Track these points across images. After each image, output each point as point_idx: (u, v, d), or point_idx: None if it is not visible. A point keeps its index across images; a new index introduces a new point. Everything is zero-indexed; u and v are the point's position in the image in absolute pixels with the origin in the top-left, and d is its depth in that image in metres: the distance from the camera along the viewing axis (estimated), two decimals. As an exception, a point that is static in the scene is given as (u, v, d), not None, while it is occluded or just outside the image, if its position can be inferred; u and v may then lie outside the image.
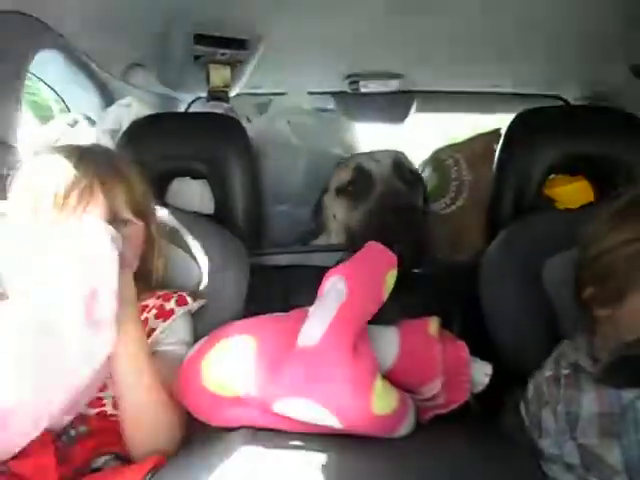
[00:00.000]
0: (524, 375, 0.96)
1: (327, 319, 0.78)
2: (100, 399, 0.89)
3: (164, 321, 0.94)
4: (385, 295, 0.84)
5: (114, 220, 0.88)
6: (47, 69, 1.57)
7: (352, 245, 1.21)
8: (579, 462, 0.81)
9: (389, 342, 0.85)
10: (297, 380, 0.75)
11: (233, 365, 0.81)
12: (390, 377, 0.83)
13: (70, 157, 0.89)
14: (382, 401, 0.76)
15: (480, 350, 1.02)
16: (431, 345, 0.84)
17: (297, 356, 0.77)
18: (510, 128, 1.24)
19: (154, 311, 0.94)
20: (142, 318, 0.91)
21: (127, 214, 0.91)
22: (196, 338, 0.99)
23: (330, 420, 0.74)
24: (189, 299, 0.98)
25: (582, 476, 0.80)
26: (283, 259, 1.31)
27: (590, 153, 1.16)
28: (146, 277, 0.99)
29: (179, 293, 0.98)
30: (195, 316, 1.04)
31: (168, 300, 0.96)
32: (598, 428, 0.79)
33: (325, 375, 0.74)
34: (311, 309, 0.84)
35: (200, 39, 1.45)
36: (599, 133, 1.17)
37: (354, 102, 2.02)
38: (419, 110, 2.13)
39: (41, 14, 1.16)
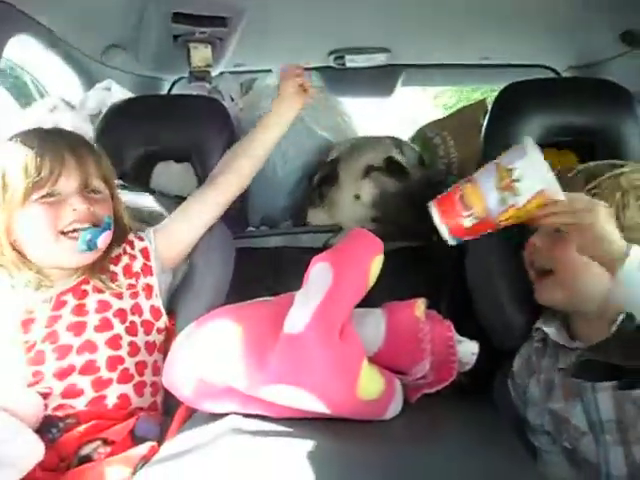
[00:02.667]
0: (512, 348, 0.97)
1: (312, 306, 0.77)
2: (103, 397, 0.91)
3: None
4: (371, 282, 0.84)
5: (86, 187, 0.94)
6: (24, 53, 1.52)
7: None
8: (552, 428, 0.83)
9: (376, 325, 0.85)
10: (283, 367, 0.75)
11: (220, 352, 0.81)
12: (377, 360, 0.83)
13: (36, 135, 0.95)
14: (368, 386, 0.76)
15: (469, 326, 1.03)
16: (418, 327, 0.84)
17: (283, 343, 0.76)
18: (497, 101, 1.22)
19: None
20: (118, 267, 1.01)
21: (97, 183, 0.97)
22: (181, 321, 1.01)
23: (317, 406, 0.75)
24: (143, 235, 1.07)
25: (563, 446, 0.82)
26: (271, 240, 1.30)
27: (577, 125, 1.15)
28: (121, 235, 1.04)
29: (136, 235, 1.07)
30: (180, 299, 1.07)
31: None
32: (563, 390, 0.83)
33: (311, 362, 0.74)
34: (297, 296, 0.83)
35: (178, 17, 1.41)
36: (587, 105, 1.15)
37: (339, 77, 1.98)
38: (406, 84, 2.09)
39: (12, -2, 1.12)
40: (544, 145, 1.17)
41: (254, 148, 1.13)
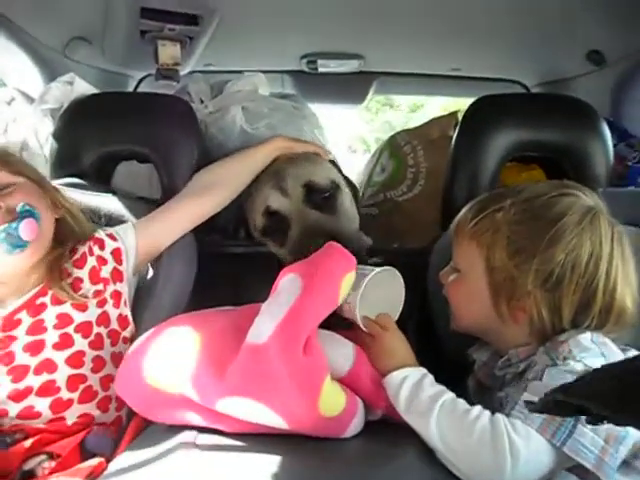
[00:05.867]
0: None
1: (278, 317, 0.74)
2: (62, 418, 0.88)
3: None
4: (340, 298, 0.81)
5: None
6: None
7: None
8: None
9: (344, 355, 0.82)
10: (242, 378, 0.72)
11: (176, 361, 0.77)
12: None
13: None
14: (330, 402, 0.74)
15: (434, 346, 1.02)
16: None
17: (244, 353, 0.73)
18: (467, 114, 1.22)
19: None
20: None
21: (4, 177, 0.90)
22: (142, 326, 0.96)
23: (276, 421, 0.72)
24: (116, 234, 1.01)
25: None
26: (234, 247, 1.27)
27: (544, 141, 1.15)
28: (76, 230, 0.99)
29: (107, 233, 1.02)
30: (139, 306, 1.03)
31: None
32: None
33: (271, 374, 0.71)
34: (263, 306, 0.80)
35: (147, 12, 1.37)
36: (553, 121, 1.16)
37: (311, 82, 1.96)
38: (377, 92, 2.09)
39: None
40: (512, 159, 1.19)
41: (240, 173, 1.15)
